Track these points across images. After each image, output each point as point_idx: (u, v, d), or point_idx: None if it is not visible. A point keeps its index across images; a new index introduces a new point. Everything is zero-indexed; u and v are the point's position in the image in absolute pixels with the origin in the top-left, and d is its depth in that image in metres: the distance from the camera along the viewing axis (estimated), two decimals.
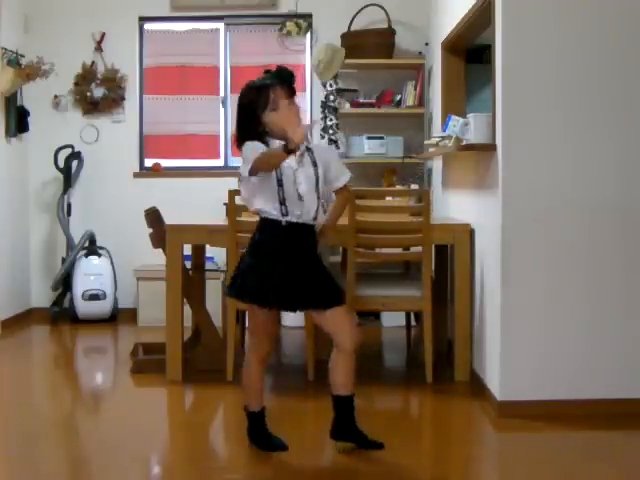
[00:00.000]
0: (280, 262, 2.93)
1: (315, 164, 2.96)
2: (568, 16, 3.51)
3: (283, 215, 2.92)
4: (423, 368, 4.13)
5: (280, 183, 2.90)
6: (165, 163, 6.21)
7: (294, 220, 2.92)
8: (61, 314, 5.97)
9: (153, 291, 5.51)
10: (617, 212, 3.55)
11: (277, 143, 2.88)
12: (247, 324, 3.15)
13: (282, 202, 2.91)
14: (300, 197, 2.91)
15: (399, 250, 4.52)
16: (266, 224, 2.97)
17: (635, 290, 3.57)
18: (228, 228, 4.05)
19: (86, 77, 6.09)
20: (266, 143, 2.92)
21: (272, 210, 2.92)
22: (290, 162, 2.90)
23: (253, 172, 2.87)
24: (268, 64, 6.19)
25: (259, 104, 2.91)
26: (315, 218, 2.96)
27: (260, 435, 3.14)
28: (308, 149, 2.98)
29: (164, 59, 6.21)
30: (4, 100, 5.71)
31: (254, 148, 2.86)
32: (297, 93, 2.99)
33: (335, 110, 5.72)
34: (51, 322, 5.92)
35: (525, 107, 3.53)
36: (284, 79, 2.93)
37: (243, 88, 2.99)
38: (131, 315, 5.95)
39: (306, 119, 2.94)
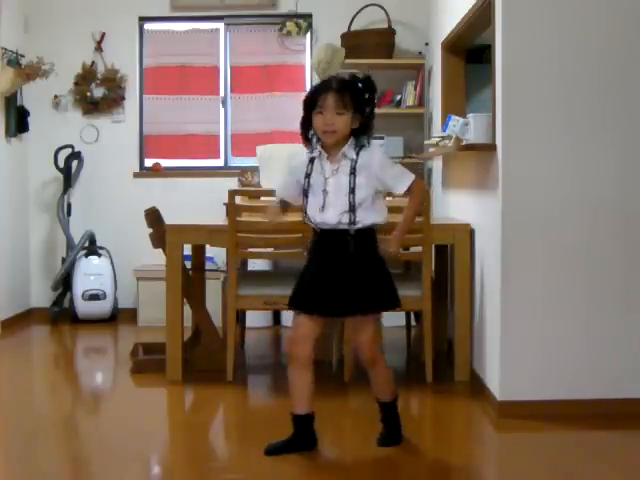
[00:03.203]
0: (316, 269, 3.03)
1: (353, 172, 2.95)
2: (568, 16, 3.51)
3: (312, 222, 3.03)
4: (423, 368, 4.13)
5: (306, 194, 3.01)
6: (165, 163, 6.21)
7: (321, 227, 3.01)
8: (61, 314, 5.97)
9: (153, 291, 5.51)
10: (617, 212, 3.55)
11: (317, 151, 3.02)
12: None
13: (305, 211, 3.02)
14: (323, 206, 2.97)
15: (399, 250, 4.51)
16: (312, 231, 3.10)
17: (635, 290, 3.57)
18: (228, 228, 4.05)
19: (86, 77, 6.09)
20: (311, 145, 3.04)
21: (306, 218, 3.05)
22: (326, 170, 2.98)
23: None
24: (268, 64, 6.28)
25: (312, 102, 2.97)
26: (351, 222, 2.95)
27: (305, 438, 3.14)
28: (346, 157, 2.97)
29: (164, 59, 6.20)
30: (4, 100, 5.71)
31: (281, 182, 3.14)
32: (353, 109, 2.95)
33: None
34: (51, 322, 5.92)
35: (525, 107, 3.53)
36: (342, 88, 2.94)
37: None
38: (131, 315, 5.95)
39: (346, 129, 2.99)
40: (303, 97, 3.04)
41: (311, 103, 2.97)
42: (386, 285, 3.05)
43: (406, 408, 4.03)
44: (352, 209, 2.94)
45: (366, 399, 3.35)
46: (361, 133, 2.99)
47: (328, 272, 2.99)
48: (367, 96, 2.98)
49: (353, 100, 2.94)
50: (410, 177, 3.03)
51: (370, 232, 3.01)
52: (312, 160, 3.02)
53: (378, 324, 3.16)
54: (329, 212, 2.97)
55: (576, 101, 3.52)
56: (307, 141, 3.04)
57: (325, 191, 2.97)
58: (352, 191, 2.94)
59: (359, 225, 2.96)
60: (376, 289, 3.01)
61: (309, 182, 3.00)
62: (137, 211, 4.59)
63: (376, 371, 3.11)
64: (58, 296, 6.05)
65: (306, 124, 3.01)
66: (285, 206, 3.19)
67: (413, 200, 3.08)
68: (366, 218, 2.96)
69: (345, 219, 2.94)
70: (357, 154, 2.96)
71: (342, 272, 2.97)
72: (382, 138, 5.83)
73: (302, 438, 3.11)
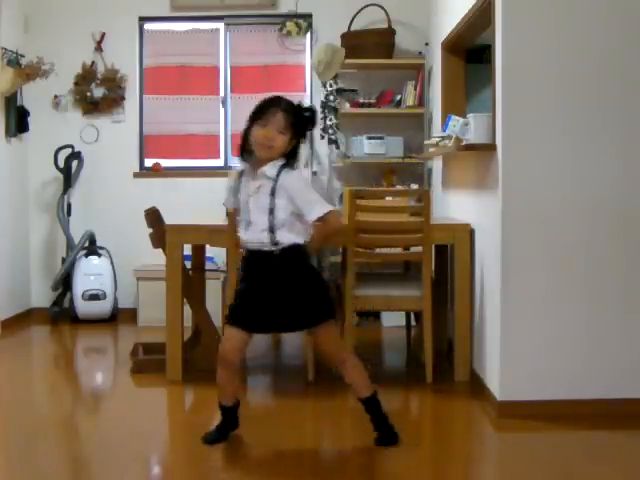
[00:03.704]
0: (247, 288, 3.08)
1: (273, 193, 2.97)
2: (568, 16, 3.51)
3: (240, 240, 3.09)
4: (423, 368, 4.13)
5: (238, 213, 3.09)
6: (165, 163, 6.21)
7: (247, 247, 3.06)
8: (61, 314, 5.97)
9: (153, 291, 5.51)
10: (617, 212, 3.55)
11: (245, 165, 3.08)
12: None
13: (236, 230, 3.09)
14: (247, 225, 3.03)
15: (399, 250, 4.52)
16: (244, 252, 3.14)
17: (635, 290, 3.57)
18: (228, 228, 4.05)
19: (86, 77, 6.09)
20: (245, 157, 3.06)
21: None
22: (249, 187, 3.03)
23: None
24: (268, 64, 6.27)
25: (257, 114, 3.00)
26: (273, 243, 2.99)
27: (231, 422, 3.29)
28: (268, 178, 2.98)
29: (164, 59, 6.21)
30: (4, 100, 5.71)
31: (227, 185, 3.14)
32: (293, 133, 3.00)
33: (335, 110, 5.72)
34: (51, 322, 5.92)
35: (525, 107, 3.53)
36: (289, 109, 2.98)
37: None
38: (131, 315, 5.95)
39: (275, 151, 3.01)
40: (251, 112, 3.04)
41: (256, 114, 2.99)
42: (318, 299, 3.08)
43: (406, 408, 4.04)
44: (272, 229, 2.98)
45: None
46: (289, 157, 3.03)
47: (259, 292, 3.04)
48: (309, 127, 3.05)
49: (295, 126, 2.99)
50: (325, 207, 2.99)
51: (296, 250, 3.02)
52: (240, 175, 3.07)
53: (333, 327, 3.16)
54: (251, 231, 3.02)
55: (576, 101, 3.52)
56: (242, 152, 3.05)
57: (248, 210, 3.02)
58: (271, 212, 2.98)
59: (281, 246, 2.99)
60: (309, 305, 3.05)
61: (239, 200, 3.06)
62: (137, 211, 4.59)
63: (347, 369, 3.16)
64: (58, 296, 6.05)
65: (245, 137, 3.03)
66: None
67: (323, 227, 3.04)
68: (286, 239, 2.99)
69: (266, 239, 2.98)
70: (278, 174, 2.98)
71: (272, 292, 3.02)
72: (382, 138, 5.84)
73: (229, 423, 3.27)
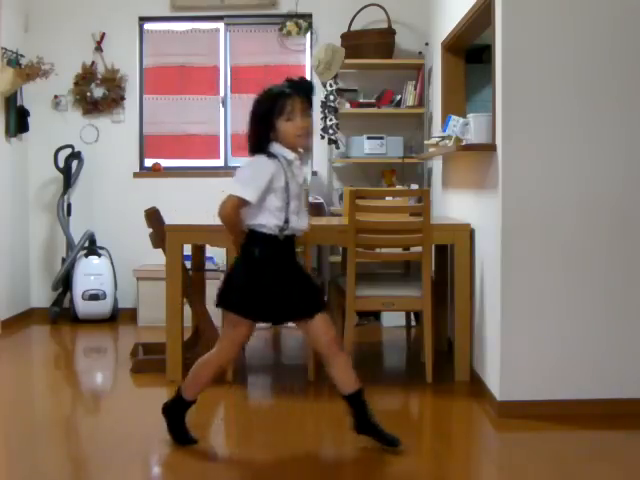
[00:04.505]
0: (280, 276, 3.01)
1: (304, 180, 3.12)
2: (568, 16, 3.51)
3: (281, 230, 2.98)
4: (423, 368, 4.13)
5: (287, 200, 2.97)
6: (165, 163, 6.21)
7: (289, 233, 3.02)
8: (61, 314, 5.97)
9: (153, 291, 5.51)
10: (617, 212, 3.55)
11: (286, 151, 2.97)
12: (225, 330, 3.20)
13: (287, 217, 2.98)
14: (299, 212, 3.03)
15: (399, 250, 4.52)
16: (263, 239, 2.99)
17: (635, 290, 3.57)
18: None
19: (86, 77, 6.09)
20: (269, 153, 2.97)
21: (273, 225, 2.97)
22: (297, 175, 3.01)
23: (227, 213, 2.95)
24: (268, 64, 6.27)
25: (275, 111, 2.95)
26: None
27: (180, 426, 3.24)
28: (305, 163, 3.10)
29: (164, 59, 6.20)
30: (4, 100, 5.71)
31: (257, 175, 2.95)
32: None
33: (335, 110, 5.72)
34: (51, 322, 5.92)
35: (525, 107, 3.53)
36: (303, 90, 2.98)
37: (260, 92, 3.03)
38: (131, 315, 5.95)
39: (316, 131, 3.05)
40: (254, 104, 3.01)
41: (273, 108, 2.95)
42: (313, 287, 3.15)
43: (406, 408, 4.04)
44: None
45: (365, 399, 3.34)
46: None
47: (288, 279, 3.02)
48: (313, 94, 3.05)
49: (311, 102, 3.02)
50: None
51: None
52: (284, 165, 2.98)
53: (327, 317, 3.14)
54: (303, 218, 3.06)
55: (576, 101, 3.52)
56: (264, 151, 2.98)
57: (299, 196, 3.04)
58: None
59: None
60: (312, 292, 3.11)
61: (289, 188, 2.99)
62: (137, 211, 4.59)
63: (339, 360, 3.06)
64: (58, 296, 6.05)
65: (262, 131, 2.98)
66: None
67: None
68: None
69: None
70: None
71: (294, 278, 3.04)
72: (382, 138, 5.84)
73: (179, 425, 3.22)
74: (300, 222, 3.05)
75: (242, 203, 2.93)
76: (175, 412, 3.23)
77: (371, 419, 3.11)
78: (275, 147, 2.98)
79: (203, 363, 3.19)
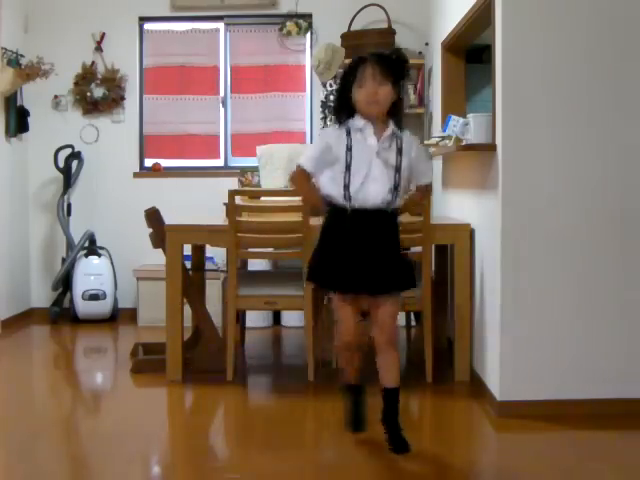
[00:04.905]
0: (347, 249, 2.98)
1: (400, 152, 2.99)
2: (568, 16, 3.51)
3: (347, 201, 2.96)
4: (423, 368, 4.13)
5: (348, 167, 2.95)
6: (165, 163, 6.21)
7: (357, 206, 2.96)
8: (61, 314, 5.97)
9: (153, 291, 5.51)
10: (616, 212, 3.55)
11: (357, 119, 2.98)
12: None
13: (346, 187, 2.95)
14: (366, 182, 2.94)
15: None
16: (330, 210, 3.04)
17: (635, 290, 3.57)
18: (228, 228, 4.06)
19: (86, 77, 6.09)
20: (340, 123, 3.00)
21: (338, 197, 2.97)
22: (371, 143, 2.96)
23: (294, 183, 3.12)
24: (268, 64, 6.27)
25: (350, 78, 2.98)
26: (389, 203, 2.97)
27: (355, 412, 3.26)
28: (394, 135, 3.00)
29: (164, 59, 6.20)
30: (4, 100, 5.71)
31: (314, 144, 3.10)
32: (393, 80, 2.97)
33: None
34: (51, 322, 5.92)
35: (525, 107, 3.53)
36: (380, 59, 2.97)
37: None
38: (131, 315, 5.95)
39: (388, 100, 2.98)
40: (343, 72, 3.06)
41: (349, 77, 2.98)
42: (407, 265, 3.12)
43: (406, 408, 4.03)
44: (395, 188, 2.97)
45: (365, 399, 3.34)
46: (394, 114, 3.02)
47: (362, 250, 2.97)
48: (404, 71, 3.03)
49: (392, 71, 2.97)
50: (431, 176, 3.20)
51: (396, 212, 3.05)
52: (349, 132, 2.98)
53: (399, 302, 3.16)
54: (373, 188, 2.95)
55: (576, 101, 3.52)
56: (339, 120, 3.02)
57: (370, 166, 2.95)
58: (398, 170, 2.97)
59: (393, 205, 3.00)
60: (400, 269, 3.07)
61: (351, 155, 2.95)
62: (137, 211, 4.59)
63: (390, 353, 3.10)
64: (58, 296, 6.05)
65: (342, 101, 3.01)
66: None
67: (420, 195, 3.21)
68: (399, 200, 3.01)
69: (388, 197, 2.96)
70: (402, 133, 3.03)
71: (376, 250, 2.98)
72: None
73: (357, 404, 3.26)
74: (363, 192, 2.93)
75: (304, 172, 3.02)
76: (350, 397, 3.27)
77: (394, 418, 3.13)
78: (355, 117, 3.00)
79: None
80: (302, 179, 3.06)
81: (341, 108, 3.02)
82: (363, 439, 3.24)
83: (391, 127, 2.99)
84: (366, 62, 2.96)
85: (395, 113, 3.02)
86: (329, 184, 3.00)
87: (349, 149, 2.95)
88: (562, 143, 3.53)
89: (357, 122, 2.98)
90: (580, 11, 3.51)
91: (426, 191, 3.22)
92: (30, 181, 6.18)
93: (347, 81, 2.99)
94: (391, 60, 2.99)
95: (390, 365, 3.12)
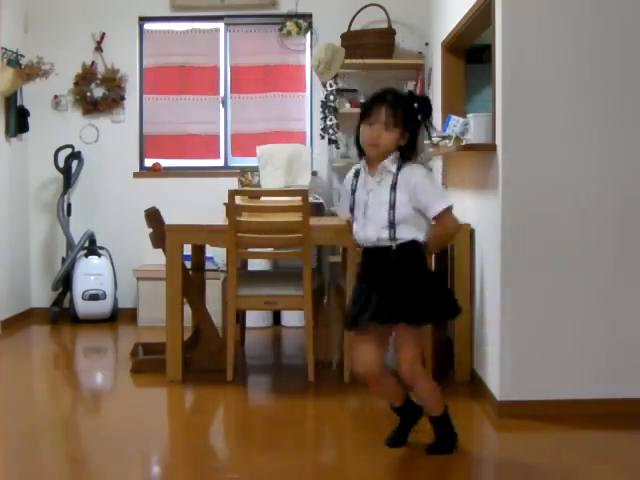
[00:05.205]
0: (365, 285, 3.01)
1: (394, 188, 2.90)
2: (568, 16, 3.51)
3: (357, 240, 3.04)
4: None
5: (352, 210, 3.03)
6: (165, 163, 6.21)
7: (364, 245, 3.01)
8: (61, 314, 5.96)
9: (153, 291, 5.51)
10: (617, 212, 3.55)
11: (363, 161, 3.02)
12: None
13: (355, 228, 3.03)
14: (365, 221, 2.96)
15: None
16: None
17: (635, 290, 3.57)
18: (228, 228, 4.06)
19: (86, 77, 6.09)
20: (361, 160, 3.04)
21: (356, 238, 3.05)
22: (368, 183, 2.98)
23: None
24: (268, 64, 6.27)
25: (364, 113, 2.97)
26: (386, 240, 2.91)
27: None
28: (386, 169, 2.93)
29: (164, 59, 6.20)
30: (4, 100, 5.71)
31: (343, 192, 3.15)
32: (404, 127, 2.93)
33: (335, 110, 5.72)
34: (51, 322, 5.92)
35: (525, 107, 3.53)
36: (397, 103, 2.93)
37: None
38: (131, 315, 5.95)
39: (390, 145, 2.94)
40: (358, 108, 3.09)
41: (364, 112, 2.96)
42: (432, 299, 2.96)
43: None
44: (391, 225, 2.90)
45: (366, 399, 3.35)
46: (407, 149, 2.95)
47: (375, 287, 2.95)
48: (419, 117, 2.95)
49: (405, 118, 2.91)
50: (443, 204, 2.92)
51: (414, 246, 2.94)
52: (356, 174, 3.03)
53: (420, 339, 3.10)
54: (369, 227, 2.95)
55: (576, 101, 3.52)
56: (361, 153, 3.02)
57: (366, 205, 2.96)
58: (392, 207, 2.90)
59: (399, 241, 2.91)
60: (421, 301, 2.92)
61: (354, 198, 3.01)
62: (137, 211, 4.59)
63: (417, 388, 3.08)
64: (58, 296, 6.05)
65: (356, 136, 3.00)
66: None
67: (438, 229, 2.99)
68: (406, 234, 2.91)
69: (384, 235, 2.91)
70: (398, 169, 2.92)
71: (386, 284, 2.93)
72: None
73: (407, 421, 3.21)
74: (364, 231, 2.96)
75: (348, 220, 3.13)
76: (397, 416, 3.23)
77: (436, 444, 3.14)
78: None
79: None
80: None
81: (357, 142, 3.01)
82: (362, 440, 3.24)
83: (384, 162, 2.92)
84: (382, 103, 2.92)
85: (407, 148, 2.95)
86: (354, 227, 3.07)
87: (353, 192, 3.02)
88: (562, 143, 3.53)
89: (362, 161, 3.02)
90: (580, 11, 3.51)
91: (439, 227, 2.98)
92: (30, 181, 6.18)
93: (361, 116, 2.97)
94: (409, 106, 2.94)
95: (420, 398, 3.15)
